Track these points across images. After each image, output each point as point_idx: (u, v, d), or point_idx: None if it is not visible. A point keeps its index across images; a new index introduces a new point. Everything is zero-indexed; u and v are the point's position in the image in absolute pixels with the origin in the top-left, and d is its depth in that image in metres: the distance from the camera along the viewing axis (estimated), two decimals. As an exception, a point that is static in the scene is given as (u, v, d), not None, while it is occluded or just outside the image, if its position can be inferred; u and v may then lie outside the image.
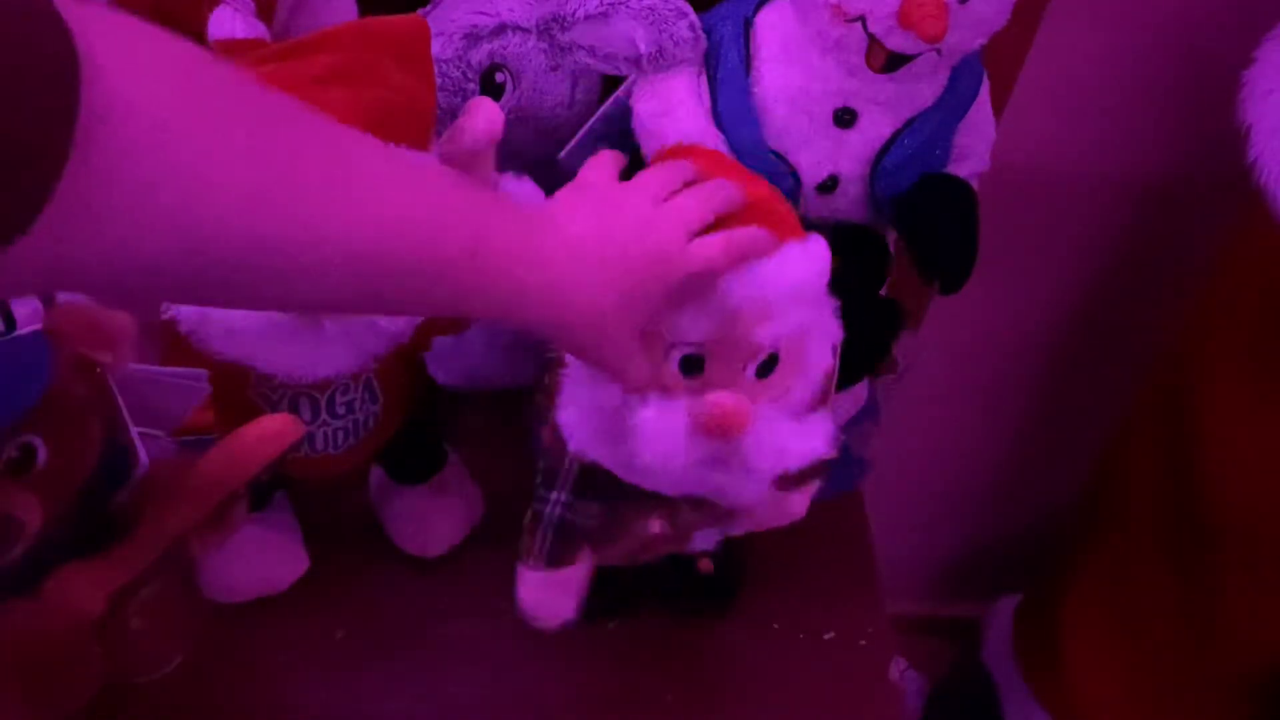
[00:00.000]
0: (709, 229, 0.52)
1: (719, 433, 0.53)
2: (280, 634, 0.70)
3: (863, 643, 0.73)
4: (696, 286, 0.52)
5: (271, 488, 0.71)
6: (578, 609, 0.63)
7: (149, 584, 0.55)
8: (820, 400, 0.59)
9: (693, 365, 0.55)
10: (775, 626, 0.74)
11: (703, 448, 0.53)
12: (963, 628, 1.30)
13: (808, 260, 0.54)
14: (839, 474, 0.80)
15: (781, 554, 0.75)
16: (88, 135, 0.29)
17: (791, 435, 0.55)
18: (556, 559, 0.62)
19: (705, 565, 0.69)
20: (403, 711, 0.68)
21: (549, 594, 0.63)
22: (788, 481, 0.60)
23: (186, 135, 0.33)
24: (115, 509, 0.54)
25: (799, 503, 0.64)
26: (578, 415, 0.58)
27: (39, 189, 0.29)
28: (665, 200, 0.52)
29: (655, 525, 0.62)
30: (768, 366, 0.56)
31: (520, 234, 0.46)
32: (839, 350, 0.59)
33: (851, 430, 0.79)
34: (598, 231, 0.49)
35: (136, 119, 0.31)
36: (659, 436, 0.53)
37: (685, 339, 0.54)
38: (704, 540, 0.66)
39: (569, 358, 0.58)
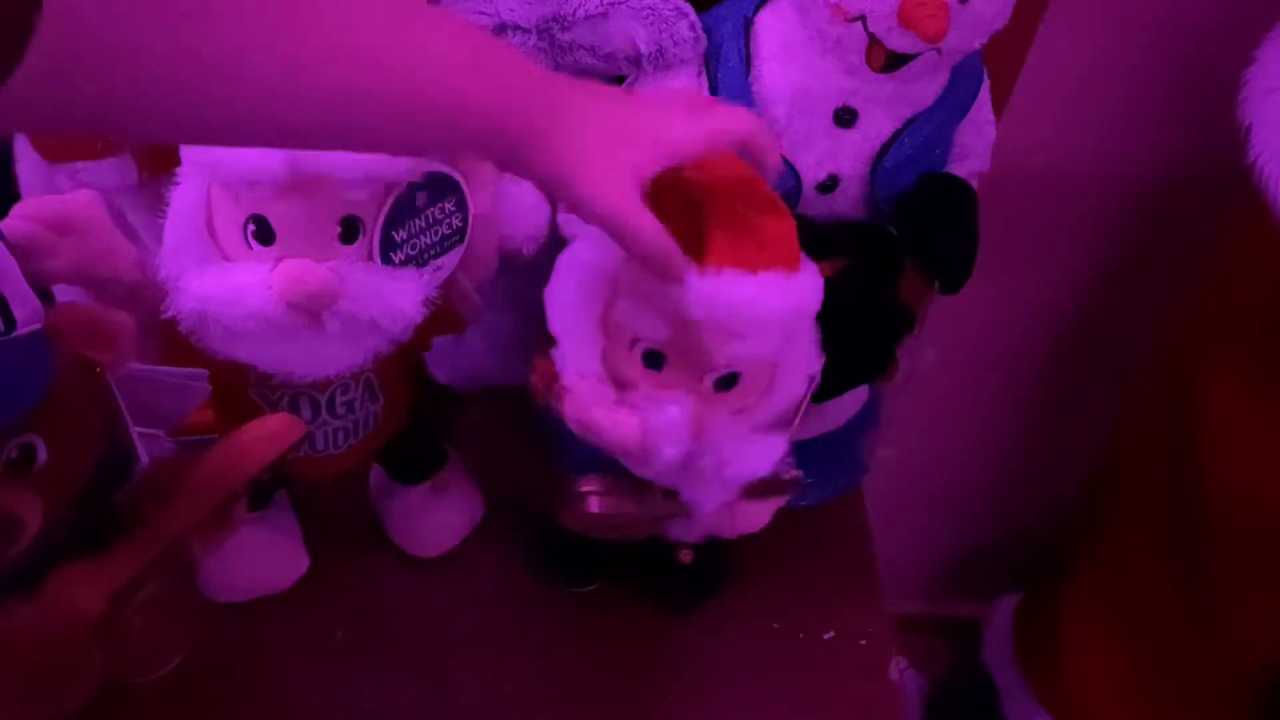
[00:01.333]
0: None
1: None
2: (280, 634, 0.70)
3: (863, 643, 0.73)
4: (660, 286, 0.53)
5: (271, 488, 0.71)
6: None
7: (149, 584, 0.55)
8: (783, 423, 0.59)
9: (655, 360, 0.56)
10: (775, 626, 0.74)
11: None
12: (963, 628, 1.30)
13: (785, 293, 0.54)
14: (839, 474, 0.80)
15: (781, 554, 0.75)
16: None
17: (740, 450, 0.56)
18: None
19: (685, 557, 0.69)
20: (403, 711, 0.68)
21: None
22: (751, 491, 0.61)
23: None
24: (115, 509, 0.54)
25: (758, 515, 0.64)
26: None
27: (25, 16, 0.30)
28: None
29: (594, 504, 0.62)
30: (728, 382, 0.56)
31: (541, 87, 0.48)
32: (816, 379, 0.59)
33: (852, 431, 0.79)
34: (613, 113, 0.51)
35: None
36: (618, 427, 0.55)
37: (645, 336, 0.55)
38: (684, 531, 0.66)
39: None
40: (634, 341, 0.57)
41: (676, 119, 0.52)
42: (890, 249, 0.70)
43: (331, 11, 0.40)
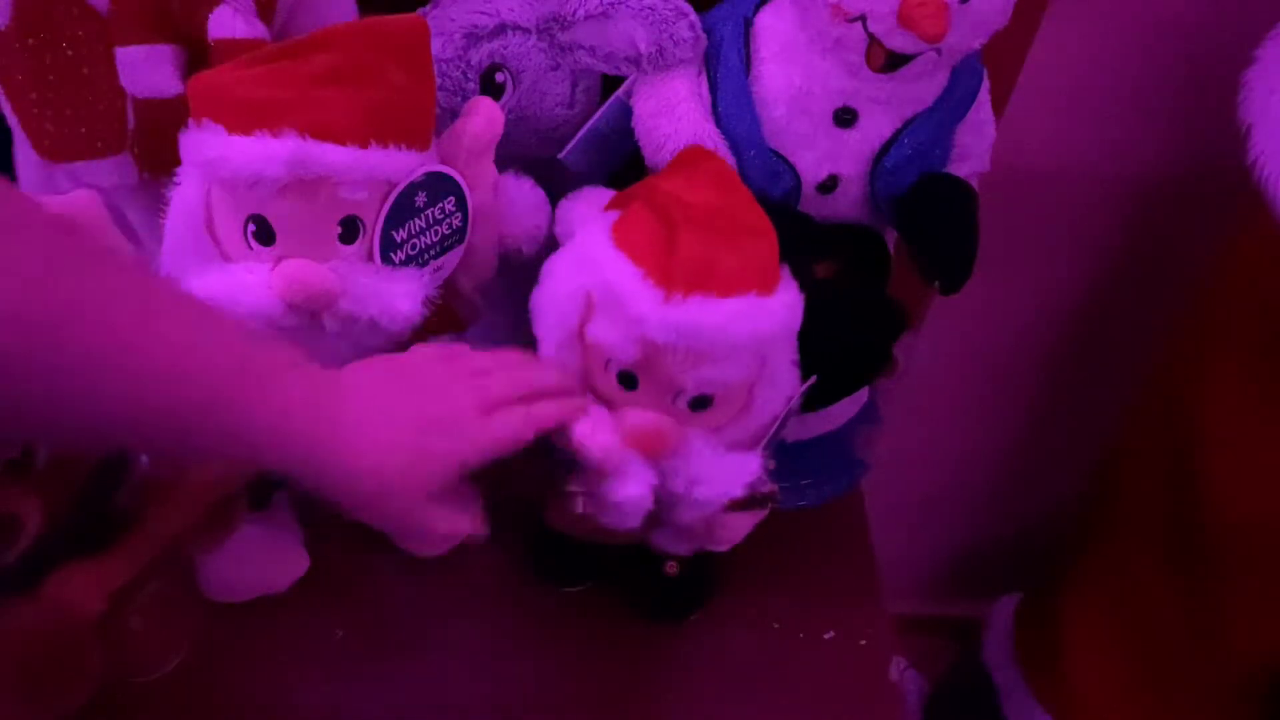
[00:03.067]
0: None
1: (649, 452, 0.54)
2: (280, 634, 0.70)
3: (863, 643, 0.73)
4: (627, 310, 0.52)
5: (271, 488, 0.71)
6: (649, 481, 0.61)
7: (149, 584, 0.55)
8: (757, 440, 0.59)
9: (629, 380, 0.56)
10: (775, 626, 0.74)
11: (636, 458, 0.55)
12: (963, 628, 1.30)
13: (756, 319, 0.52)
14: (839, 474, 0.80)
15: (781, 554, 0.75)
16: None
17: (712, 468, 0.56)
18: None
19: (671, 568, 0.69)
20: (403, 711, 0.68)
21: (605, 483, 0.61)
22: (729, 505, 0.61)
23: None
24: (115, 509, 0.54)
25: (737, 526, 0.64)
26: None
27: None
28: (467, 374, 0.51)
29: (580, 504, 0.62)
30: (701, 403, 0.56)
31: (306, 390, 0.45)
32: (796, 398, 0.59)
33: (851, 431, 0.79)
34: (388, 394, 0.48)
35: None
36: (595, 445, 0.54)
37: (616, 357, 0.55)
38: (670, 542, 0.66)
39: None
40: (608, 361, 0.56)
41: (464, 416, 0.49)
42: (880, 250, 0.70)
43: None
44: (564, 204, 0.63)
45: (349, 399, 0.46)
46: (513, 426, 0.50)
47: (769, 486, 0.62)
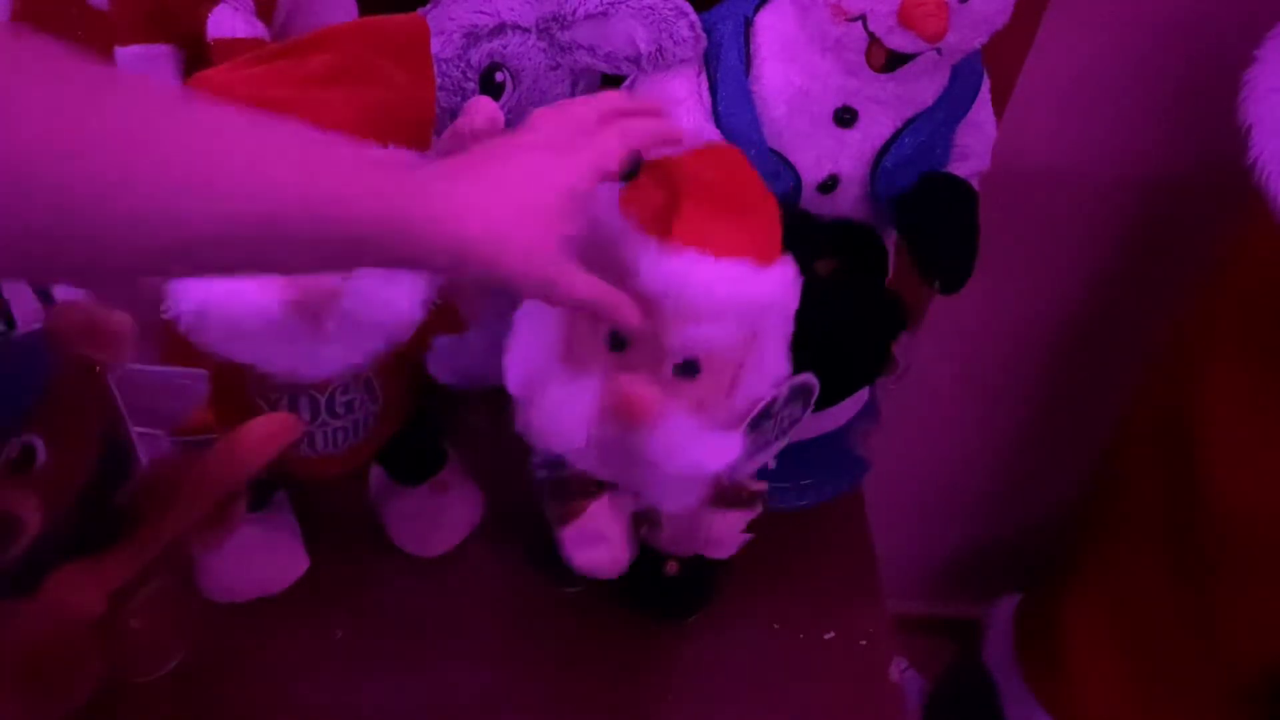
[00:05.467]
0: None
1: (625, 419, 0.53)
2: (280, 634, 0.70)
3: (863, 643, 0.73)
4: (623, 262, 0.52)
5: (271, 488, 0.71)
6: (623, 550, 0.63)
7: (149, 584, 0.55)
8: (738, 422, 0.58)
9: (619, 341, 0.55)
10: (775, 626, 0.74)
11: (606, 430, 0.54)
12: (963, 628, 1.30)
13: (748, 283, 0.52)
14: (839, 474, 0.80)
15: (782, 554, 0.75)
16: None
17: (692, 441, 0.55)
18: (568, 513, 0.62)
19: (672, 568, 0.69)
20: (403, 711, 0.68)
21: (588, 549, 0.63)
22: (716, 499, 0.61)
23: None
24: (115, 509, 0.54)
25: (727, 536, 0.64)
26: (518, 366, 0.58)
27: None
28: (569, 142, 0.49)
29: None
30: (688, 369, 0.55)
31: (420, 174, 0.45)
32: (784, 388, 0.58)
33: (851, 431, 0.79)
34: (489, 165, 0.47)
35: None
36: (562, 415, 0.54)
37: None
38: (668, 542, 0.66)
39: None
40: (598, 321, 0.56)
41: (578, 156, 0.48)
42: (877, 247, 0.70)
43: (204, 138, 0.38)
44: None
45: (461, 177, 0.46)
46: (614, 141, 0.49)
47: (758, 484, 0.62)
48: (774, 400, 0.57)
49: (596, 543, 0.63)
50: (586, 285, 0.47)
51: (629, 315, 0.49)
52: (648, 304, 0.52)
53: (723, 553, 0.66)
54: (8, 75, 0.33)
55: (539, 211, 0.46)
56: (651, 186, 0.54)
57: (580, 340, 0.57)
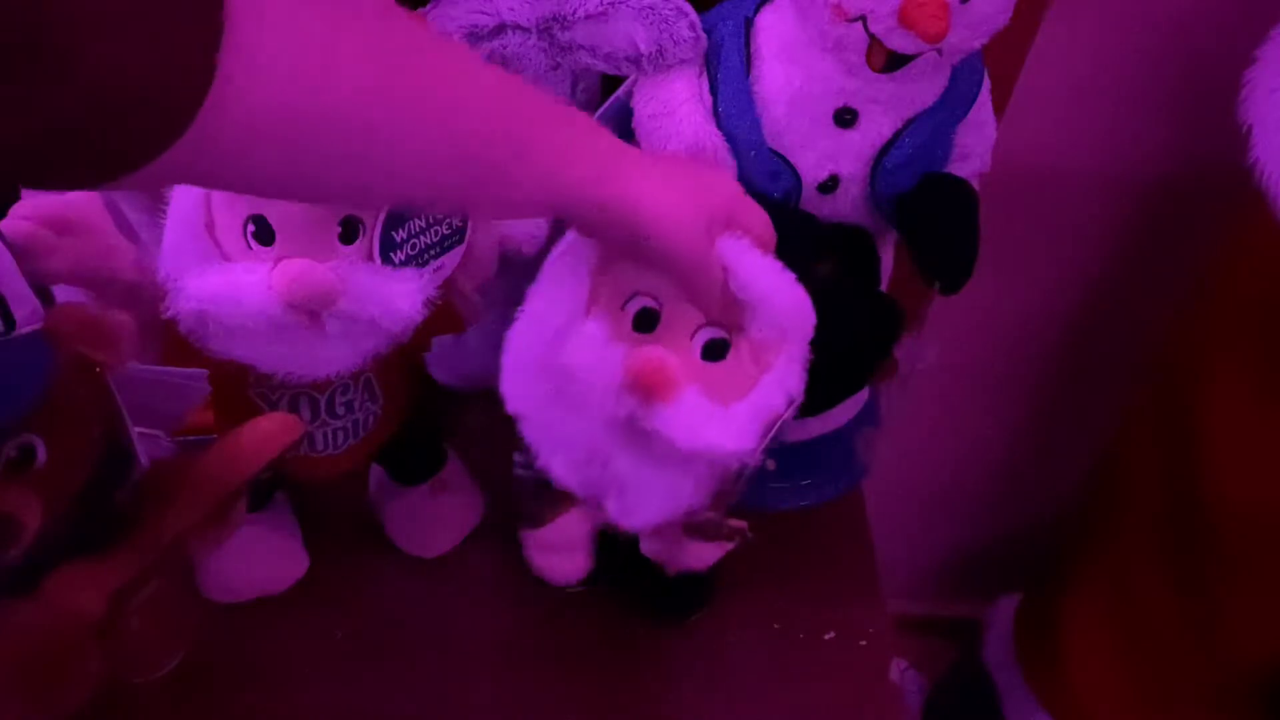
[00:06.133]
0: None
1: (644, 389, 0.52)
2: (280, 634, 0.70)
3: (863, 643, 0.73)
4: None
5: (271, 488, 0.71)
6: (585, 561, 0.64)
7: (149, 584, 0.55)
8: (751, 419, 0.57)
9: (647, 322, 0.55)
10: (775, 626, 0.74)
11: (626, 404, 0.53)
12: (963, 628, 1.30)
13: (788, 280, 0.54)
14: (839, 474, 0.80)
15: (781, 554, 0.75)
16: (229, 55, 0.33)
17: (711, 420, 0.54)
18: (537, 518, 0.62)
19: (668, 568, 0.69)
20: (403, 712, 0.68)
21: (545, 554, 0.63)
22: (691, 529, 0.61)
23: (312, 37, 0.37)
24: (115, 509, 0.54)
25: (703, 554, 0.64)
26: (514, 367, 0.58)
27: (190, 105, 0.33)
28: None
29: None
30: (716, 351, 0.55)
31: (604, 140, 0.51)
32: (796, 401, 0.58)
33: (851, 431, 0.79)
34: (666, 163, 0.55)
35: (271, 30, 0.35)
36: (593, 351, 0.53)
37: (649, 285, 0.55)
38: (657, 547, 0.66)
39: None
40: (629, 299, 0.55)
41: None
42: (871, 253, 0.70)
43: (462, 84, 0.44)
44: None
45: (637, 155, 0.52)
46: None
47: (736, 522, 0.62)
48: (783, 415, 0.58)
49: (560, 550, 0.63)
50: (714, 277, 0.53)
51: (729, 316, 0.54)
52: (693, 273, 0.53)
53: (698, 567, 0.66)
54: (332, 32, 0.37)
55: (703, 196, 0.52)
56: None
57: (599, 327, 0.56)
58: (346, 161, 0.40)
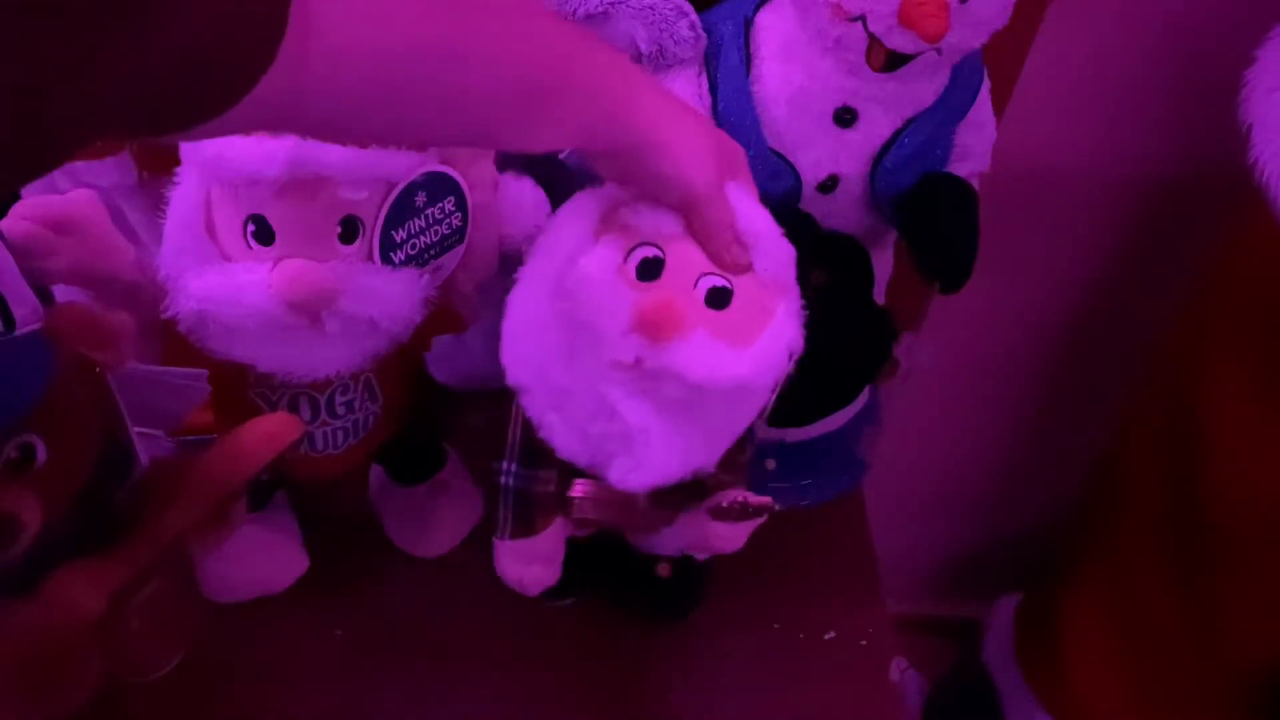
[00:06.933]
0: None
1: (652, 326, 0.52)
2: (280, 634, 0.70)
3: (863, 643, 0.73)
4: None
5: (271, 488, 0.71)
6: (556, 573, 0.64)
7: (149, 584, 0.55)
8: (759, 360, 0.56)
9: (650, 270, 0.54)
10: (775, 626, 0.74)
11: (634, 345, 0.53)
12: (963, 628, 1.30)
13: (787, 245, 0.55)
14: (839, 474, 0.80)
15: (781, 554, 0.74)
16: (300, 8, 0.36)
17: (724, 354, 0.53)
18: (521, 529, 0.62)
19: (664, 570, 0.69)
20: (402, 711, 0.68)
21: (524, 564, 0.63)
22: (719, 513, 0.60)
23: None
24: (115, 509, 0.54)
25: (732, 536, 0.63)
26: (516, 326, 0.57)
27: (266, 53, 0.35)
28: None
29: (584, 508, 0.62)
30: (720, 299, 0.54)
31: (633, 71, 0.53)
32: (795, 354, 0.57)
33: (852, 431, 0.79)
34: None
35: None
36: (603, 273, 0.53)
37: (651, 235, 0.54)
38: (666, 544, 0.66)
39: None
40: (632, 249, 0.54)
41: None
42: (865, 261, 0.70)
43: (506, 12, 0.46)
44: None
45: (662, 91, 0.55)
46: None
47: (762, 498, 0.62)
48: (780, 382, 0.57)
49: (536, 562, 0.63)
50: (728, 211, 0.54)
51: (738, 255, 0.55)
52: (699, 215, 0.53)
53: (732, 549, 0.65)
54: None
55: (718, 152, 0.54)
56: None
57: (600, 286, 0.55)
58: (420, 94, 0.42)
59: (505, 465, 0.62)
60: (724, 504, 0.61)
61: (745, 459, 0.63)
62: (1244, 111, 0.73)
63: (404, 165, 0.55)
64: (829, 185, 0.66)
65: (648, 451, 0.55)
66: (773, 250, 0.55)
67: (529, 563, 0.63)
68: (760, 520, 0.63)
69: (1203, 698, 1.00)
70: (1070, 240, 1.04)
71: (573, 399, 0.56)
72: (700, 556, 0.68)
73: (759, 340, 0.54)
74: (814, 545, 0.78)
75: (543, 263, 0.56)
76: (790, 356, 0.55)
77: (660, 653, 0.72)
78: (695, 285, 0.54)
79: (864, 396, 0.80)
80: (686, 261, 0.54)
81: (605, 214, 0.56)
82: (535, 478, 0.61)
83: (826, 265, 0.66)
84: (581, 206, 0.57)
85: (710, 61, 0.65)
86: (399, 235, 0.57)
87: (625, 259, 0.54)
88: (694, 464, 0.57)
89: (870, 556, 0.79)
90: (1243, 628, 0.93)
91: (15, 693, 0.51)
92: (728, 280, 0.54)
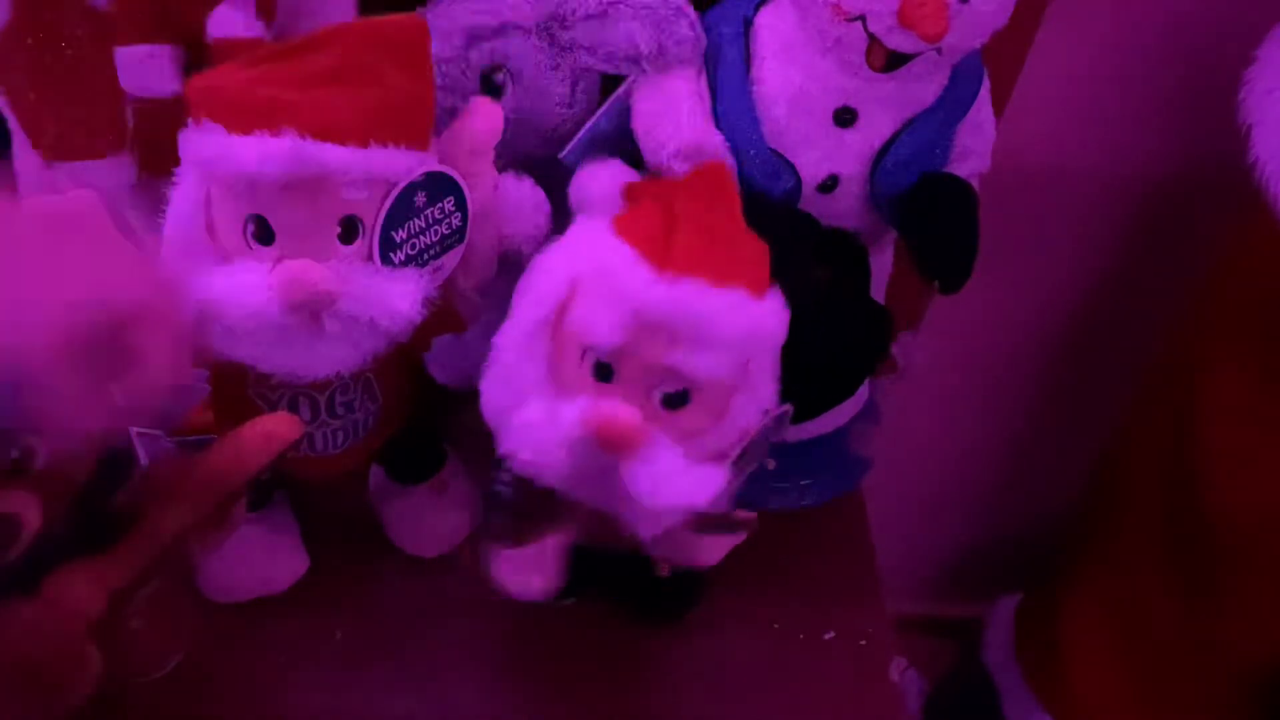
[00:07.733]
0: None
1: (609, 445, 0.51)
2: (280, 634, 0.70)
3: (863, 643, 0.73)
4: (610, 292, 0.52)
5: (271, 488, 0.71)
6: (556, 581, 0.63)
7: (149, 584, 0.55)
8: (725, 455, 0.57)
9: (605, 372, 0.54)
10: (775, 626, 0.74)
11: (587, 457, 0.52)
12: (963, 628, 1.30)
13: (748, 314, 0.52)
14: (839, 474, 0.80)
15: (781, 554, 0.75)
16: None
17: (676, 474, 0.53)
18: (517, 537, 0.62)
19: (663, 570, 0.69)
20: (403, 711, 0.68)
21: (520, 571, 0.63)
22: (699, 525, 0.60)
23: None
24: (115, 509, 0.54)
25: (709, 551, 0.63)
26: (492, 388, 0.58)
27: None
28: None
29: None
30: (678, 400, 0.54)
31: None
32: (769, 415, 0.57)
33: (852, 431, 0.79)
34: None
35: None
36: (539, 438, 0.53)
37: (599, 343, 0.53)
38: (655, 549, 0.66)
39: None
40: (584, 351, 0.55)
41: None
42: (863, 258, 0.70)
43: None
44: (586, 171, 0.62)
45: None
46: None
47: (746, 513, 0.62)
48: (760, 430, 0.57)
49: (535, 571, 0.63)
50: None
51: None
52: (643, 330, 0.52)
53: (710, 563, 0.65)
54: None
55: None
56: (650, 210, 0.54)
57: (565, 372, 0.56)
58: None
59: (500, 474, 0.61)
60: (707, 516, 0.61)
61: (738, 483, 0.62)
62: (1244, 111, 0.73)
63: (404, 166, 0.55)
64: (829, 185, 0.66)
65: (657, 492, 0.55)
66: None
67: (529, 572, 0.63)
68: (743, 536, 0.63)
69: (1203, 698, 1.00)
70: (1070, 240, 1.04)
71: (559, 472, 0.56)
72: (684, 565, 0.67)
73: (720, 436, 0.55)
74: (814, 545, 0.78)
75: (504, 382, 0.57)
76: (764, 414, 0.56)
77: (660, 653, 0.72)
78: (649, 395, 0.54)
79: (863, 395, 0.80)
80: (637, 369, 0.53)
81: (552, 322, 0.55)
82: (529, 488, 0.61)
83: (829, 262, 0.66)
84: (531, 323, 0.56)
85: (710, 61, 0.65)
86: (399, 235, 0.57)
87: (580, 359, 0.54)
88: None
89: (870, 556, 0.79)
90: (1242, 628, 0.93)
91: (15, 693, 0.51)
92: (682, 383, 0.54)
